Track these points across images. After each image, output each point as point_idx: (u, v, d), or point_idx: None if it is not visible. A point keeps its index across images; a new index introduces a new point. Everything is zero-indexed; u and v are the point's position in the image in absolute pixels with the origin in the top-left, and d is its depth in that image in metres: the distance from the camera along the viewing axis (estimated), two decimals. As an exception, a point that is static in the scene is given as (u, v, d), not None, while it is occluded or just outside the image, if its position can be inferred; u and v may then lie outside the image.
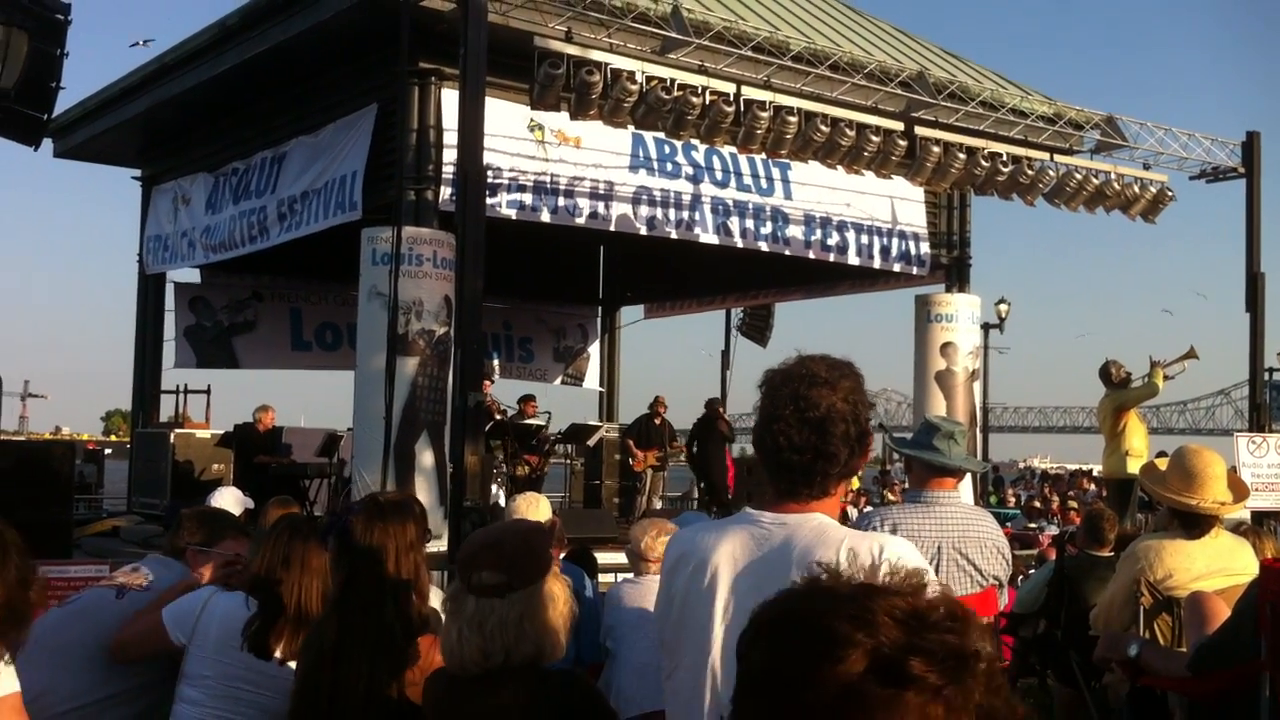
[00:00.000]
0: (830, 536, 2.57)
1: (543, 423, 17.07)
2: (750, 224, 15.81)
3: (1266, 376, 18.48)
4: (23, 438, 62.36)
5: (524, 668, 3.01)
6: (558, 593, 3.09)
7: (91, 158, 20.52)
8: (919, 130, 14.64)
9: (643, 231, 15.05)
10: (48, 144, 18.59)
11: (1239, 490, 5.35)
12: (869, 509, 6.02)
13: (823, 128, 13.71)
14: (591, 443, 18.84)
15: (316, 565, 4.20)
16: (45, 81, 8.36)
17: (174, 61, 16.23)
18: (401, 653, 3.50)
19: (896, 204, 16.98)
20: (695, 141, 14.19)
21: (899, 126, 14.42)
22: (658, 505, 18.53)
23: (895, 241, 17.11)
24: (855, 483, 22.20)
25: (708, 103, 13.00)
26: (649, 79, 12.70)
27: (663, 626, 2.78)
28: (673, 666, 2.73)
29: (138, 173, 20.04)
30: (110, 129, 18.34)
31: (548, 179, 14.15)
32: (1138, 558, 5.38)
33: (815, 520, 2.62)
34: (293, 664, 4.10)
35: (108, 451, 32.15)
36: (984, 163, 14.98)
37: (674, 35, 13.22)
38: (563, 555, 7.26)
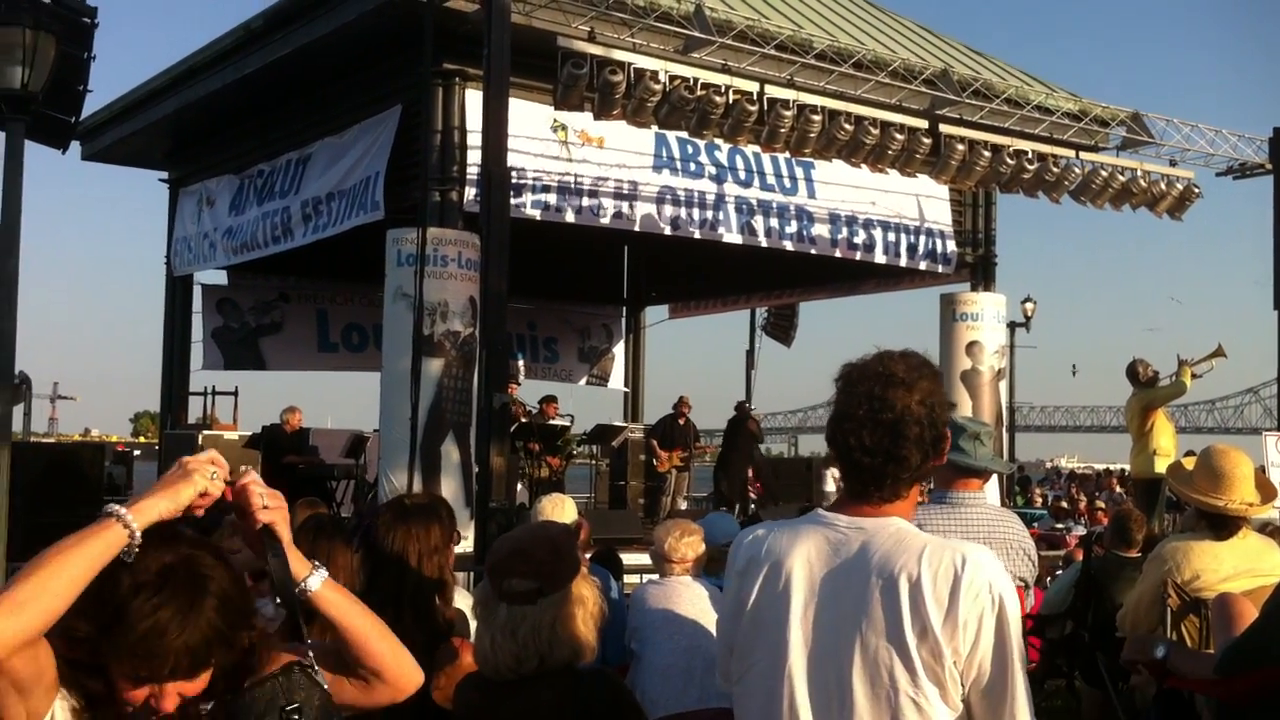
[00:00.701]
0: (910, 545, 2.51)
1: (567, 424, 17.10)
2: (775, 223, 15.79)
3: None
4: (52, 440, 62.80)
5: (558, 670, 3.02)
6: (587, 595, 3.09)
7: (119, 160, 20.65)
8: (943, 128, 14.58)
9: (667, 231, 15.05)
10: (75, 147, 18.72)
11: (1267, 491, 5.32)
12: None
13: (846, 126, 13.68)
14: (616, 443, 18.85)
15: (342, 563, 4.21)
16: (73, 85, 8.43)
17: (200, 64, 16.32)
18: (422, 657, 3.50)
19: (922, 201, 16.92)
20: (719, 141, 14.18)
21: (923, 124, 14.37)
22: (682, 506, 18.52)
23: (921, 239, 17.06)
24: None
25: (731, 102, 12.98)
26: (672, 78, 12.69)
27: (733, 630, 2.71)
28: (744, 670, 2.67)
29: (165, 175, 20.16)
30: (137, 132, 18.44)
31: (572, 179, 14.16)
32: (1165, 559, 5.35)
33: (893, 526, 2.56)
34: None
35: (136, 453, 32.29)
36: (1009, 160, 14.91)
37: (697, 34, 13.21)
38: (589, 556, 7.28)
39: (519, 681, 3.01)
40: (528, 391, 18.73)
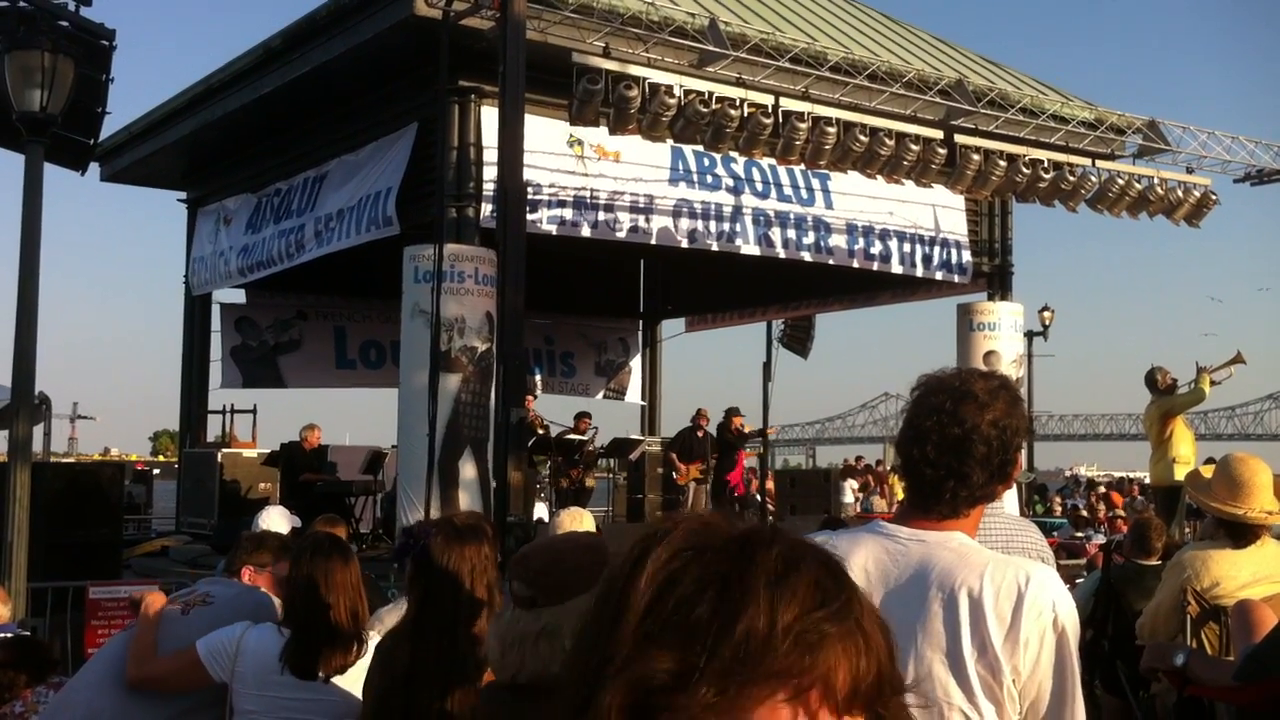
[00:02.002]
0: (973, 561, 2.47)
1: (586, 437, 17.11)
2: (792, 234, 15.80)
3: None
4: (72, 459, 63.06)
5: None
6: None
7: (138, 181, 20.79)
8: (959, 138, 14.58)
9: (684, 244, 15.07)
10: (95, 168, 18.84)
11: (1287, 499, 5.30)
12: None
13: (861, 137, 13.69)
14: (634, 457, 18.86)
15: (340, 580, 4.22)
16: (91, 107, 8.49)
17: (218, 84, 16.42)
18: (475, 676, 3.48)
19: (938, 212, 16.92)
20: (734, 154, 14.20)
21: (938, 135, 14.38)
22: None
23: (937, 250, 17.05)
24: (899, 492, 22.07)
25: (746, 115, 13.01)
26: (687, 92, 12.73)
27: None
28: None
29: (183, 195, 20.27)
30: (156, 152, 18.56)
31: (588, 194, 14.20)
32: (1184, 567, 5.34)
33: (955, 541, 2.52)
34: (337, 680, 4.13)
35: (156, 472, 32.39)
36: (1025, 169, 14.90)
37: (711, 48, 13.24)
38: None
39: (532, 685, 2.99)
40: (548, 407, 18.77)
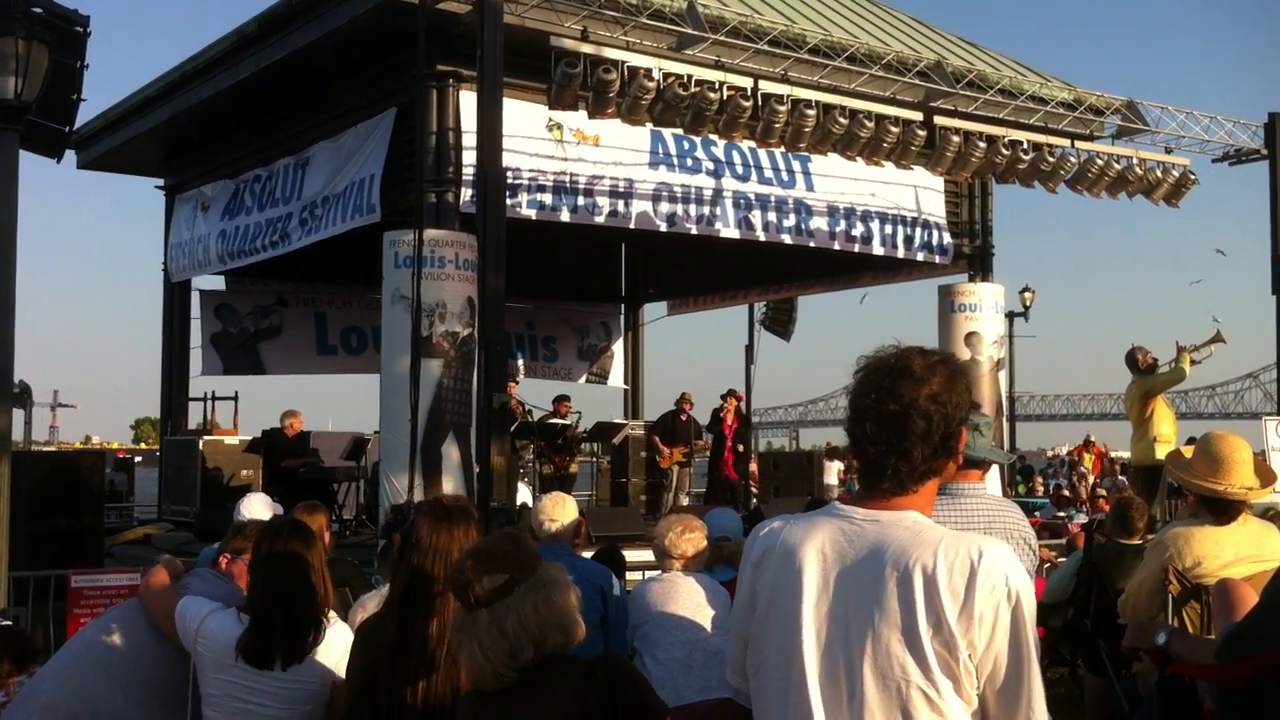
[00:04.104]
0: (926, 538, 2.50)
1: (570, 422, 17.11)
2: (773, 217, 15.80)
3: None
4: (54, 448, 62.83)
5: (558, 658, 3.02)
6: (557, 574, 3.10)
7: (115, 168, 20.66)
8: (938, 120, 14.60)
9: (663, 228, 15.05)
10: (71, 155, 18.73)
11: (1266, 475, 5.33)
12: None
13: (841, 120, 13.70)
14: (617, 441, 18.88)
15: (298, 567, 4.22)
16: (66, 94, 8.43)
17: (194, 70, 16.31)
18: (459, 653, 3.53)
19: (919, 193, 16.94)
20: (714, 137, 14.19)
21: (918, 116, 14.39)
22: (685, 502, 18.54)
23: (918, 231, 17.08)
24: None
25: (725, 98, 13.00)
26: (666, 76, 12.71)
27: (745, 622, 2.70)
28: (759, 664, 2.67)
29: (161, 182, 20.15)
30: (132, 139, 18.44)
31: (567, 178, 14.16)
32: (1166, 546, 5.37)
33: (909, 519, 2.55)
34: (295, 669, 4.14)
35: (138, 459, 32.37)
36: (1004, 151, 14.94)
37: (690, 31, 13.22)
38: (590, 555, 7.29)
39: (522, 681, 3.00)
40: (529, 391, 18.75)
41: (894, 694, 2.45)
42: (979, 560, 2.44)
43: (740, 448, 19.18)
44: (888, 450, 2.54)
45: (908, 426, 2.53)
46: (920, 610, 2.43)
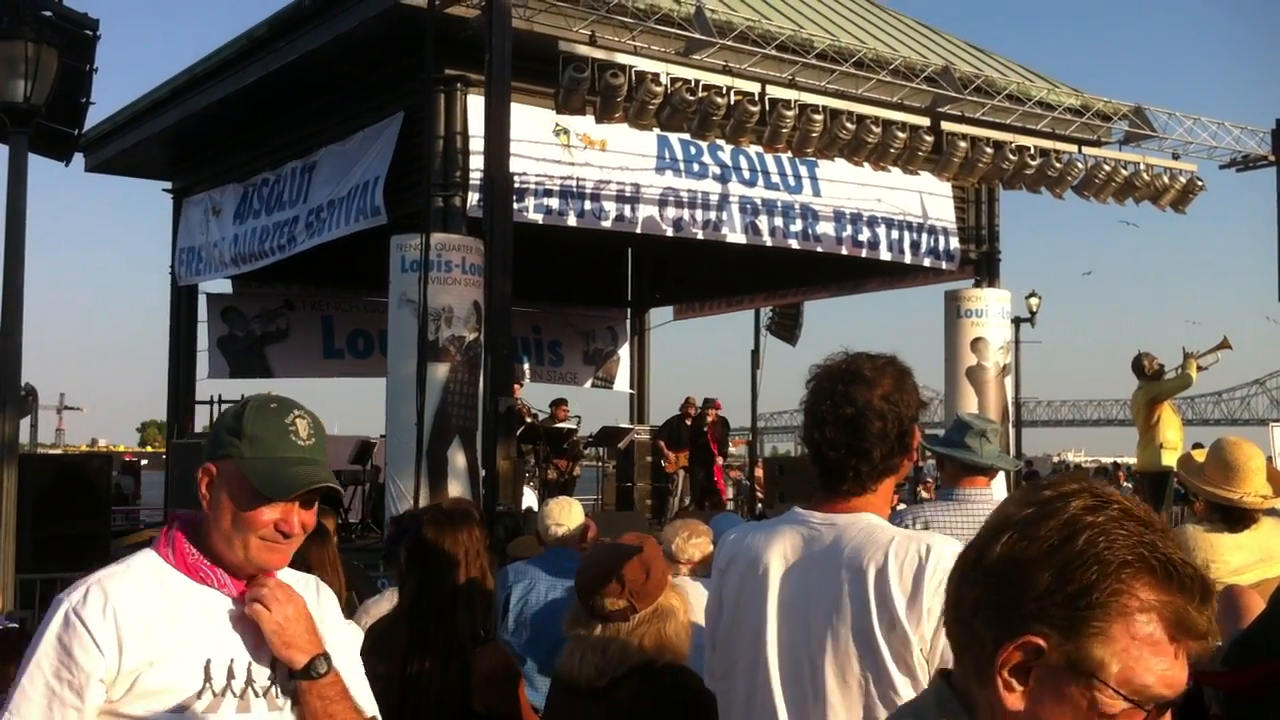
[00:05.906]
0: (879, 538, 2.57)
1: (574, 426, 17.10)
2: (779, 222, 15.79)
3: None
4: (60, 451, 62.87)
5: (637, 669, 3.11)
6: (677, 605, 3.20)
7: (123, 171, 20.68)
8: (945, 125, 14.59)
9: (669, 233, 15.05)
10: (79, 159, 18.75)
11: (1277, 483, 5.31)
12: (901, 506, 6.02)
13: (848, 125, 13.69)
14: (623, 445, 18.86)
15: (313, 565, 4.22)
16: (75, 97, 8.44)
17: (202, 73, 16.34)
18: (470, 658, 3.57)
19: (925, 199, 16.93)
20: (721, 142, 14.19)
21: (925, 122, 14.38)
22: (690, 506, 18.52)
23: (925, 236, 17.07)
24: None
25: (732, 103, 12.99)
26: (673, 80, 12.71)
27: (714, 629, 2.80)
28: (727, 667, 2.75)
29: (168, 185, 20.18)
30: (140, 142, 18.47)
31: (574, 183, 14.17)
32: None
33: (864, 520, 2.62)
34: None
35: (144, 463, 32.40)
36: (1011, 156, 14.92)
37: (698, 36, 13.22)
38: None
39: (608, 686, 3.13)
40: (533, 395, 18.75)
41: (854, 691, 2.52)
42: (926, 556, 2.51)
43: (720, 459, 19.12)
44: (848, 452, 2.63)
45: (865, 428, 2.61)
46: (874, 608, 2.51)
